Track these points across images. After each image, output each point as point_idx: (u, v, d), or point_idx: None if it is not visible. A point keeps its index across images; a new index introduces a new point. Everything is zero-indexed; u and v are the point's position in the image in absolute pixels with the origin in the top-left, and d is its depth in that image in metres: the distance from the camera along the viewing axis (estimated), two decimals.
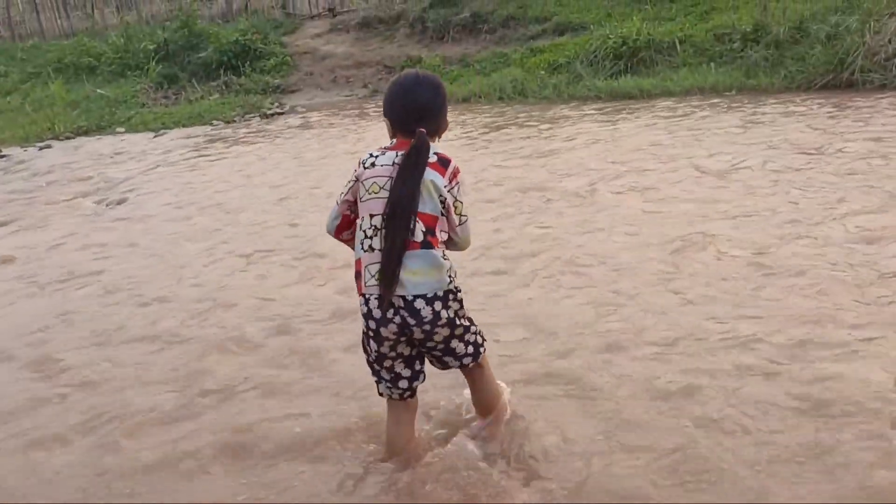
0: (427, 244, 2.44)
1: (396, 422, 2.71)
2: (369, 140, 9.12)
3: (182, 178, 8.13)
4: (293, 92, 14.18)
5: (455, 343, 2.57)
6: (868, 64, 8.63)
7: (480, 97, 11.32)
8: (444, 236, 2.54)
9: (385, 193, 2.45)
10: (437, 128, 2.61)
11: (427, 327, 2.45)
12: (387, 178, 2.47)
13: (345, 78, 14.36)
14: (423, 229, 2.44)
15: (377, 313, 2.46)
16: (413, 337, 2.48)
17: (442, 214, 2.49)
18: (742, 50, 10.10)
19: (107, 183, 8.22)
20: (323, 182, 7.24)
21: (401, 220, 2.40)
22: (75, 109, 14.06)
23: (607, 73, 10.86)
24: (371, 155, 2.56)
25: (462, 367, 2.67)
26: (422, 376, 2.67)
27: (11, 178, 9.28)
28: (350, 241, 2.66)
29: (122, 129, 12.16)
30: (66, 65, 17.04)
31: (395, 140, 2.58)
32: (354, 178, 2.57)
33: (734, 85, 9.48)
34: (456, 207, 2.53)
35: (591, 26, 12.04)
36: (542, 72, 11.38)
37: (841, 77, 8.76)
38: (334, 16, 16.70)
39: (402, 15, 15.40)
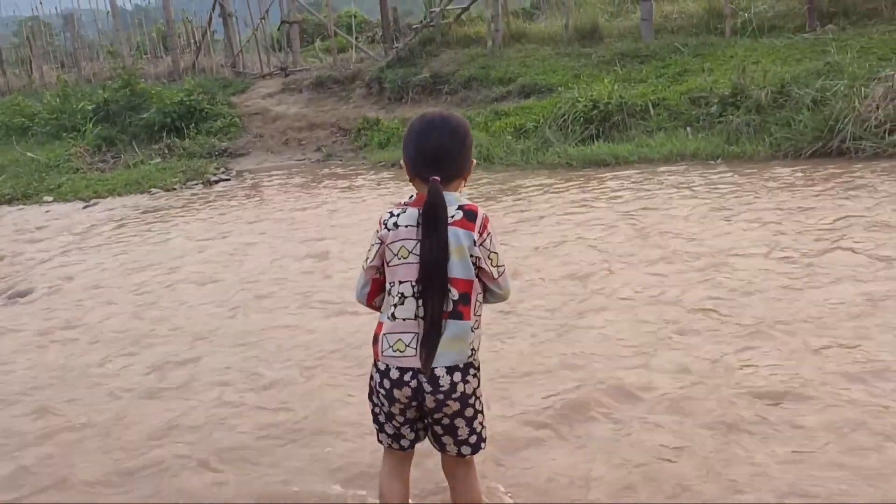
0: (456, 314, 2.35)
1: (391, 472, 2.59)
2: (321, 212, 8.23)
3: (103, 262, 7.09)
4: (241, 156, 13.27)
5: (460, 423, 2.43)
6: (859, 131, 8.04)
7: None
8: (479, 302, 2.43)
9: (414, 259, 2.35)
10: (456, 173, 2.44)
11: (440, 397, 2.36)
12: (415, 242, 2.36)
13: (297, 140, 13.51)
14: (455, 297, 2.34)
15: (394, 373, 2.37)
16: (424, 404, 2.38)
17: (476, 277, 2.39)
18: (721, 114, 9.50)
19: (15, 267, 7.15)
20: (265, 270, 6.28)
21: (436, 290, 2.31)
22: (2, 174, 12.95)
23: (577, 137, 10.18)
24: (392, 214, 2.42)
25: (457, 454, 2.49)
26: (421, 437, 2.56)
27: None
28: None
29: (51, 199, 11.07)
30: None
31: (413, 195, 2.45)
32: (378, 241, 2.44)
33: (715, 153, 8.83)
34: (491, 259, 2.40)
35: (559, 88, 11.39)
36: (509, 136, 10.66)
37: (831, 145, 8.15)
38: (286, 75, 15.93)
39: (357, 75, 14.68)
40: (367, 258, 2.47)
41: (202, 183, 11.33)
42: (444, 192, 2.34)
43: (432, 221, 2.30)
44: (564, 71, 12.14)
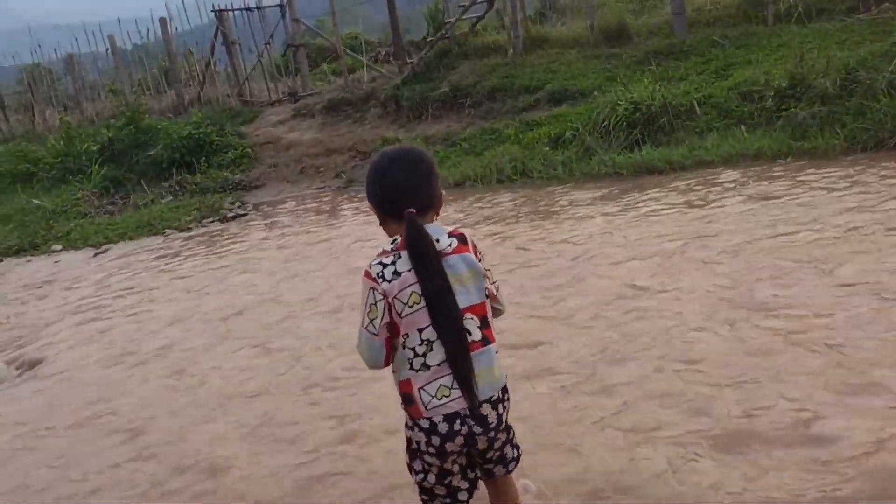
0: (485, 340, 2.26)
1: None
2: (348, 244, 7.46)
3: (118, 319, 6.32)
4: (257, 188, 12.53)
5: (507, 449, 2.40)
6: None
7: (475, 180, 9.75)
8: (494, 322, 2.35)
9: None
10: (426, 206, 2.28)
11: (492, 434, 2.28)
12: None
13: (314, 168, 12.77)
14: (478, 324, 2.25)
15: (443, 427, 2.21)
16: (475, 447, 2.28)
17: (487, 297, 2.30)
18: (780, 109, 8.68)
19: (24, 331, 6.39)
20: (318, 334, 5.49)
21: (450, 324, 2.18)
22: (8, 224, 12.27)
23: (621, 144, 9.38)
24: (381, 264, 2.22)
25: (506, 473, 2.43)
26: (477, 484, 2.42)
27: None
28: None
29: (59, 247, 10.36)
30: (2, 173, 15.29)
31: (396, 239, 2.26)
32: (381, 296, 2.20)
33: (781, 150, 8.00)
34: (489, 278, 2.33)
35: (593, 93, 10.61)
36: (545, 147, 9.86)
37: None
38: (296, 100, 15.24)
39: (371, 95, 13.96)
40: (369, 320, 2.24)
41: (218, 219, 10.58)
42: (427, 225, 2.24)
43: (420, 256, 2.18)
44: (595, 74, 11.36)
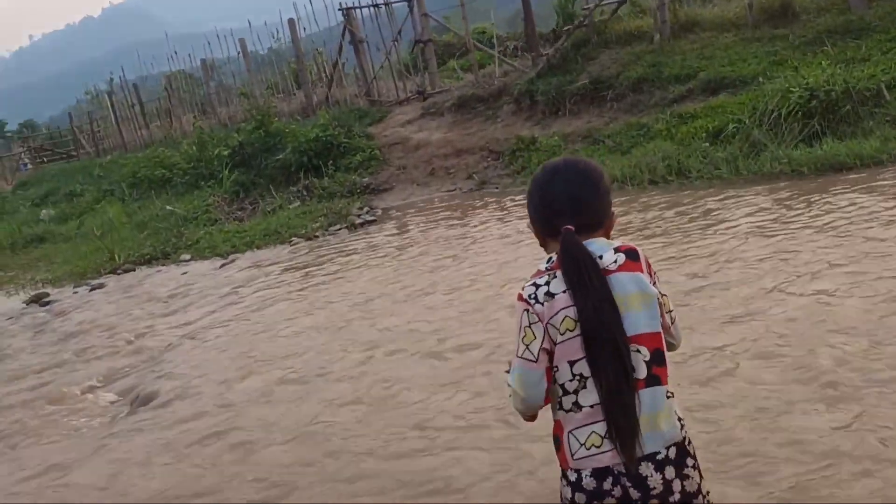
0: (654, 379, 1.84)
1: None
2: (486, 257, 6.67)
3: (239, 346, 5.79)
4: (385, 191, 12.00)
5: None
6: None
7: (624, 181, 8.75)
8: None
9: None
10: (595, 222, 1.93)
11: (655, 503, 1.79)
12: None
13: (444, 169, 12.10)
14: (647, 358, 1.84)
15: (589, 484, 1.82)
16: None
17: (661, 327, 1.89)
18: None
19: (142, 356, 5.98)
20: (450, 335, 4.75)
21: (608, 357, 1.80)
22: (144, 231, 12.33)
23: (796, 137, 8.14)
24: (535, 285, 1.89)
25: None
26: None
27: (38, 343, 7.23)
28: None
29: (188, 257, 10.15)
30: (140, 179, 15.59)
31: (552, 258, 1.92)
32: (536, 319, 1.86)
33: None
34: (664, 305, 1.94)
35: (759, 79, 9.34)
36: (704, 143, 8.73)
37: None
38: (425, 99, 14.62)
39: (504, 90, 13.14)
40: (525, 346, 1.88)
41: (346, 227, 10.06)
42: (588, 241, 1.89)
43: (577, 272, 1.83)
44: (757, 59, 10.07)
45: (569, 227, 1.88)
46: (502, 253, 6.83)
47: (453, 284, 6.18)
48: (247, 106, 16.56)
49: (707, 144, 8.67)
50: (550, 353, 1.88)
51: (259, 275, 8.22)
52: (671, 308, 2.00)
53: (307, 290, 7.11)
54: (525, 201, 2.04)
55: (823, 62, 8.80)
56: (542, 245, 2.03)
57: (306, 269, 8.01)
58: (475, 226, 8.48)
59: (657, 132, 9.64)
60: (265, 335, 5.89)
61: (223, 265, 9.19)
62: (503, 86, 13.28)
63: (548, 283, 1.88)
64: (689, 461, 1.87)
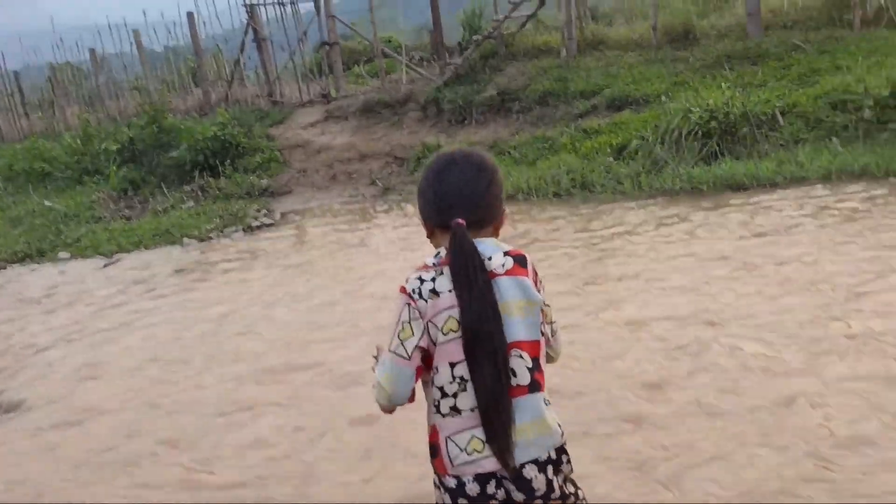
0: (536, 385, 1.83)
1: None
2: (385, 264, 6.46)
3: (115, 354, 5.34)
4: (284, 194, 11.58)
5: None
6: None
7: (528, 193, 8.70)
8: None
9: None
10: (484, 219, 1.90)
11: (539, 503, 1.81)
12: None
13: (346, 174, 11.81)
14: (528, 364, 1.82)
15: (472, 489, 1.78)
16: None
17: (542, 334, 1.88)
18: (881, 121, 7.60)
19: (6, 358, 5.43)
20: (334, 352, 4.49)
21: (486, 360, 1.76)
22: (18, 228, 11.43)
23: (696, 156, 8.31)
24: (421, 279, 1.83)
25: None
26: None
27: None
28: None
29: (67, 255, 9.44)
30: (17, 172, 14.49)
31: (440, 252, 1.86)
32: (417, 316, 1.81)
33: (890, 167, 6.91)
34: (546, 315, 1.93)
35: (661, 98, 9.52)
36: (608, 158, 8.80)
37: None
38: (329, 102, 14.28)
39: (410, 97, 12.96)
40: (400, 341, 1.81)
41: (242, 229, 9.62)
42: (479, 240, 1.85)
43: (464, 271, 1.78)
44: (661, 78, 10.28)
45: (460, 221, 1.83)
46: (398, 260, 6.63)
47: (346, 289, 5.92)
48: (140, 101, 15.75)
49: (611, 159, 8.75)
50: (426, 352, 1.82)
51: (145, 276, 7.70)
52: (553, 319, 1.99)
53: (194, 293, 6.68)
54: (418, 190, 1.97)
55: (723, 84, 9.04)
56: (429, 237, 1.98)
57: (196, 272, 7.56)
58: (374, 232, 8.25)
59: (562, 145, 9.67)
60: (144, 338, 5.46)
61: (106, 265, 8.59)
62: (410, 93, 13.11)
63: (433, 280, 1.83)
64: (565, 457, 1.88)
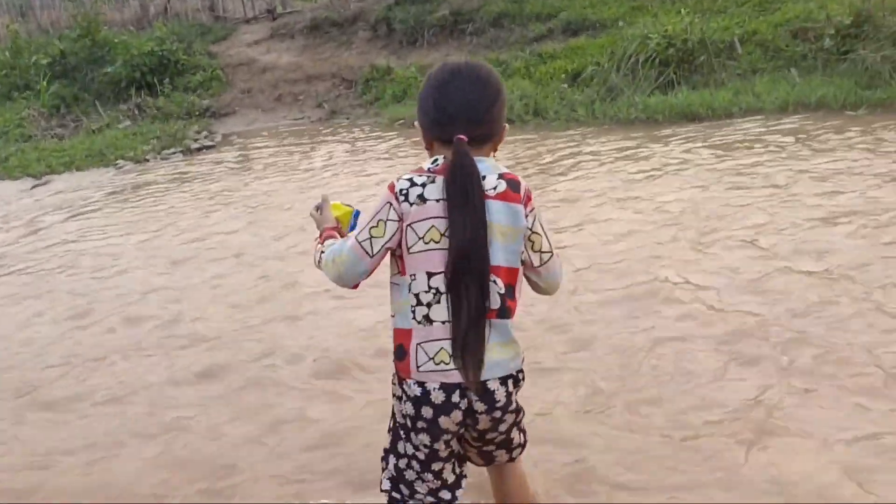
0: (505, 311, 1.82)
1: None
2: (339, 188, 6.18)
3: (42, 284, 5.03)
4: (226, 115, 11.11)
5: (514, 433, 1.98)
6: None
7: None
8: (520, 295, 1.89)
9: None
10: (487, 134, 1.83)
11: (498, 414, 1.87)
12: (448, 221, 1.77)
13: (292, 95, 11.35)
14: (501, 290, 1.81)
15: (438, 397, 1.81)
16: (476, 427, 1.88)
17: (522, 262, 1.85)
18: (841, 51, 7.46)
19: None
20: (270, 281, 4.27)
21: (473, 281, 1.75)
22: None
23: (652, 84, 8.11)
24: (412, 182, 1.79)
25: (509, 460, 2.04)
26: (464, 482, 1.99)
27: None
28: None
29: None
30: None
31: (438, 159, 1.82)
32: (396, 218, 1.79)
33: (847, 99, 6.80)
34: (534, 243, 1.86)
35: (619, 23, 9.24)
36: (562, 84, 8.55)
37: None
38: (274, 18, 13.66)
39: (360, 15, 12.45)
40: (370, 235, 1.81)
41: (181, 151, 9.18)
42: (478, 158, 1.79)
43: (462, 190, 1.74)
44: (618, 2, 9.98)
45: (462, 137, 1.77)
46: (346, 188, 6.35)
47: (286, 223, 5.65)
48: (73, 11, 14.83)
49: (565, 86, 8.50)
50: (399, 260, 1.83)
51: (75, 199, 7.29)
52: (545, 248, 1.89)
53: (128, 219, 6.33)
54: (419, 98, 1.88)
55: (682, 10, 8.79)
56: (427, 148, 1.92)
57: (130, 195, 7.18)
58: (321, 157, 7.91)
59: (516, 70, 9.38)
60: (70, 270, 5.15)
61: (35, 186, 8.13)
62: (359, 11, 12.56)
63: (424, 186, 1.79)
64: (521, 374, 1.90)
